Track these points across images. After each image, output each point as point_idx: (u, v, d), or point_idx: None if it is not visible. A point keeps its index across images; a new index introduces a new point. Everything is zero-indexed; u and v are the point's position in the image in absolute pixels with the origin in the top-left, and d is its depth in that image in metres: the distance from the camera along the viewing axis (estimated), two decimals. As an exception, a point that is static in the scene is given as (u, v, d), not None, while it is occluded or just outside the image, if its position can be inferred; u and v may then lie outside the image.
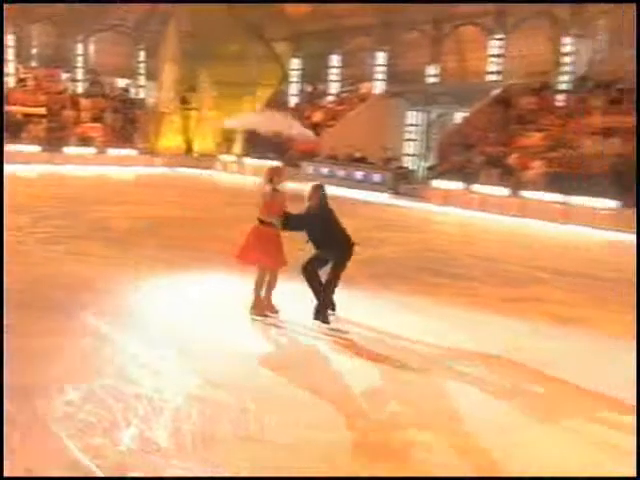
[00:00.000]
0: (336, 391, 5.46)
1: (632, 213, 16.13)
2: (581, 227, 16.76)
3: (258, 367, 5.93)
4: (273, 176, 7.59)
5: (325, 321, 7.24)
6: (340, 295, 7.49)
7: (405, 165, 24.43)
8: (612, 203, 16.88)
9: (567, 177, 18.06)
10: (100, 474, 3.96)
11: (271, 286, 7.45)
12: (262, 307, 7.43)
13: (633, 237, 15.56)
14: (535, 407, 5.61)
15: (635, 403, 5.32)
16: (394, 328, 7.30)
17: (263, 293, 7.43)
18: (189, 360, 5.78)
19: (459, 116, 23.34)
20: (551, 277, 11.41)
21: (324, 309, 7.34)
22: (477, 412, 5.29)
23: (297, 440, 4.46)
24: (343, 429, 4.71)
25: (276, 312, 7.46)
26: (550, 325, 8.24)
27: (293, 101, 32.01)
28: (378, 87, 27.99)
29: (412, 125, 25.16)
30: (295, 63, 31.92)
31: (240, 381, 5.42)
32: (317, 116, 28.23)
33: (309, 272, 7.39)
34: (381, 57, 28.04)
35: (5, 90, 26.15)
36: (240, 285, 7.78)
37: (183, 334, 6.44)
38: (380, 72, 28.11)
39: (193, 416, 4.64)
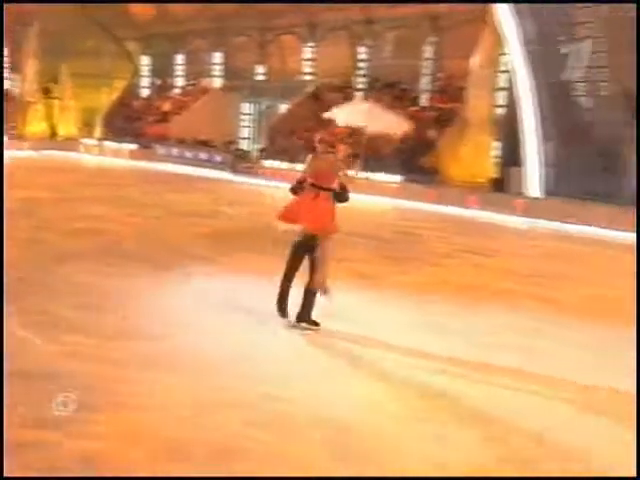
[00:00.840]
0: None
1: (413, 185, 17.38)
2: (376, 197, 17.26)
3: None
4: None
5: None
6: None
7: (242, 147, 24.56)
8: (398, 177, 17.83)
9: (365, 157, 18.43)
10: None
11: None
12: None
13: (413, 204, 16.62)
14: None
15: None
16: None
17: None
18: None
19: (283, 107, 23.51)
20: (352, 239, 11.01)
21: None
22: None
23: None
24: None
25: None
26: (354, 279, 8.23)
27: (145, 92, 31.00)
28: (216, 82, 27.69)
29: (246, 114, 25.07)
30: (145, 60, 30.73)
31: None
32: (166, 106, 27.60)
33: None
34: (217, 57, 27.76)
35: None
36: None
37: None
38: (217, 69, 27.82)
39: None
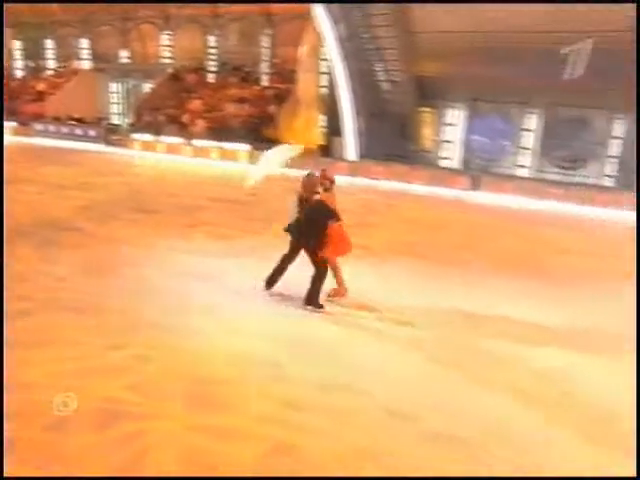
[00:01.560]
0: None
1: (258, 153, 17.28)
2: (231, 162, 17.57)
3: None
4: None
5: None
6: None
7: (112, 122, 23.47)
8: (246, 146, 17.85)
9: (219, 130, 18.78)
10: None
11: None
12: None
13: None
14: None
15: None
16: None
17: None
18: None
19: (147, 87, 22.65)
20: (213, 204, 11.09)
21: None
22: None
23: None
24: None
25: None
26: (213, 241, 8.15)
27: (20, 74, 27.99)
28: (86, 64, 25.65)
29: (114, 93, 23.96)
30: (18, 44, 27.71)
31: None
32: (41, 86, 25.10)
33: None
34: (85, 42, 25.65)
35: None
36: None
37: None
38: (86, 53, 25.77)
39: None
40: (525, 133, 15.70)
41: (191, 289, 6.15)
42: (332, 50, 16.03)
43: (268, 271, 6.01)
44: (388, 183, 15.57)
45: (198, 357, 4.56)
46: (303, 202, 5.88)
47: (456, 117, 16.50)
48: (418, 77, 16.07)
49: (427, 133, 16.99)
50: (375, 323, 5.48)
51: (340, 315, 5.61)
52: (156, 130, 19.84)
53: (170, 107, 20.73)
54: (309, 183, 5.94)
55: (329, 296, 5.86)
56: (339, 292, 5.91)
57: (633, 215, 12.24)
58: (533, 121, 15.60)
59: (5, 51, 26.89)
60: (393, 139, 16.45)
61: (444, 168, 16.39)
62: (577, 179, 15.18)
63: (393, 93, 16.34)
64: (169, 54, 23.30)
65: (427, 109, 16.78)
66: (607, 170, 15.01)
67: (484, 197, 14.59)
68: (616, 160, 14.86)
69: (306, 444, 3.55)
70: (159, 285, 6.23)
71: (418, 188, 15.19)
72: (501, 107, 16.05)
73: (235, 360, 4.58)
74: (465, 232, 10.27)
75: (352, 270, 6.15)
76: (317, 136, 17.98)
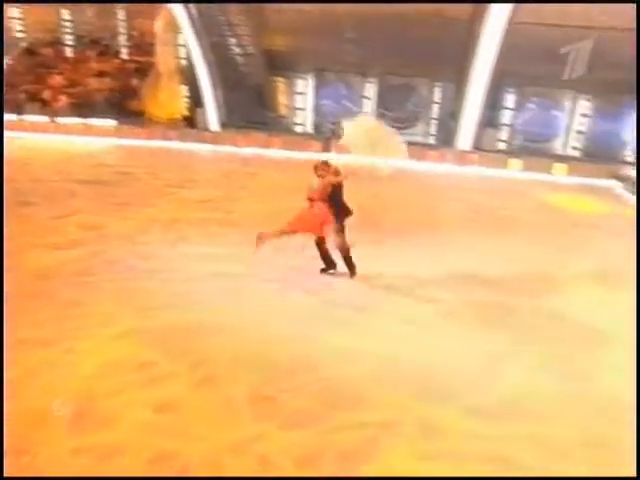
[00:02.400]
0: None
1: (125, 127, 18.14)
2: (97, 138, 17.74)
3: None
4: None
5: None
6: None
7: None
8: (112, 122, 18.25)
9: (83, 106, 18.83)
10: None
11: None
12: None
13: (127, 142, 17.35)
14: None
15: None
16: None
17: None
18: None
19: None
20: (83, 188, 10.71)
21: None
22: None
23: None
24: None
25: None
26: (82, 232, 7.95)
27: None
28: None
29: (-36, 68, 22.76)
30: None
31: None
32: None
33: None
34: None
35: None
36: None
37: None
38: None
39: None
40: (365, 100, 18.03)
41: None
42: (185, 25, 16.92)
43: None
44: (249, 150, 17.25)
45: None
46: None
47: (306, 86, 18.37)
48: (269, 50, 17.60)
49: (282, 101, 18.72)
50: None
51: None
52: (17, 108, 19.51)
53: (29, 83, 20.33)
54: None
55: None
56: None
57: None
58: (370, 88, 17.95)
59: None
60: (251, 108, 18.03)
61: (298, 134, 18.33)
62: (408, 138, 17.94)
63: (247, 65, 17.74)
64: (20, 27, 22.12)
65: (280, 79, 18.46)
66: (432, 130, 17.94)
67: (335, 157, 16.77)
68: (437, 122, 17.78)
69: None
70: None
71: (276, 153, 17.05)
72: (344, 76, 18.17)
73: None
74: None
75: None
76: (181, 108, 18.99)
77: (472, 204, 11.57)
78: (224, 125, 18.07)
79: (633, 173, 15.69)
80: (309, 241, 6.54)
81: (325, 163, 6.43)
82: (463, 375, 4.65)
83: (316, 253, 6.61)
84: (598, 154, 16.53)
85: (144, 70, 19.62)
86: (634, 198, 13.78)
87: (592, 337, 5.50)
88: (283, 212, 6.49)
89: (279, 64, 17.95)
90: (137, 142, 17.63)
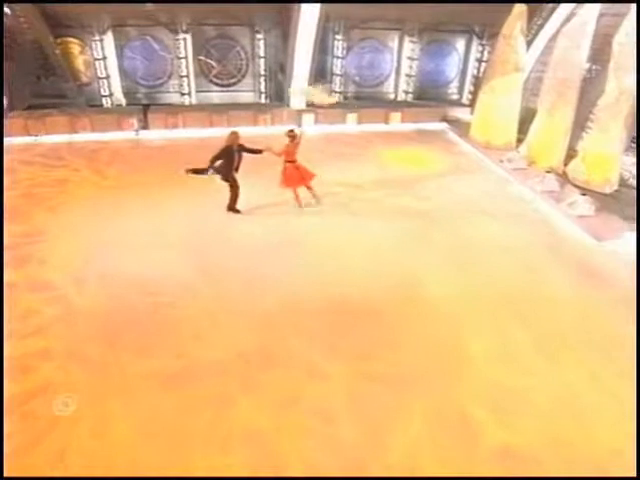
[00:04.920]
0: None
1: None
2: None
3: None
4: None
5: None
6: None
7: None
8: None
9: None
10: None
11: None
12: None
13: None
14: None
15: None
16: None
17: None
18: None
19: None
20: None
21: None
22: None
23: None
24: None
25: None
26: None
27: None
28: None
29: None
30: None
31: None
32: None
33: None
34: None
35: None
36: None
37: None
38: None
39: None
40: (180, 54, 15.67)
41: None
42: None
43: None
44: (49, 137, 14.31)
45: None
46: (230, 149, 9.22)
47: (106, 46, 15.34)
48: (44, 5, 14.07)
49: (77, 66, 15.55)
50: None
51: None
52: None
53: None
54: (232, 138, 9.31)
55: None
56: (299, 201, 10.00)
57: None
58: (184, 42, 15.57)
59: None
60: (40, 80, 14.78)
61: (108, 109, 15.60)
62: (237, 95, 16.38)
63: (21, 29, 14.06)
64: None
65: (70, 39, 15.16)
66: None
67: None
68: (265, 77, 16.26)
69: None
70: None
71: (85, 137, 14.39)
72: (148, 30, 15.45)
73: None
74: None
75: None
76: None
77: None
78: (10, 108, 14.62)
79: (459, 114, 16.21)
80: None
81: (292, 130, 9.80)
82: None
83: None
84: (428, 96, 16.68)
85: None
86: (461, 140, 14.35)
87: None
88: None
89: (62, 22, 14.62)
90: None
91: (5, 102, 14.49)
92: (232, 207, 9.74)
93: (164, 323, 6.93)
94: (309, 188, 9.96)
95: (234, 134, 9.31)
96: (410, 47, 16.08)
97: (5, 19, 13.77)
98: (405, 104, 16.33)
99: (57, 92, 15.13)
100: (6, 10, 13.61)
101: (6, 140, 13.94)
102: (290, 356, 6.42)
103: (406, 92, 16.70)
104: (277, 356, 6.43)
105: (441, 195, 10.93)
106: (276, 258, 8.45)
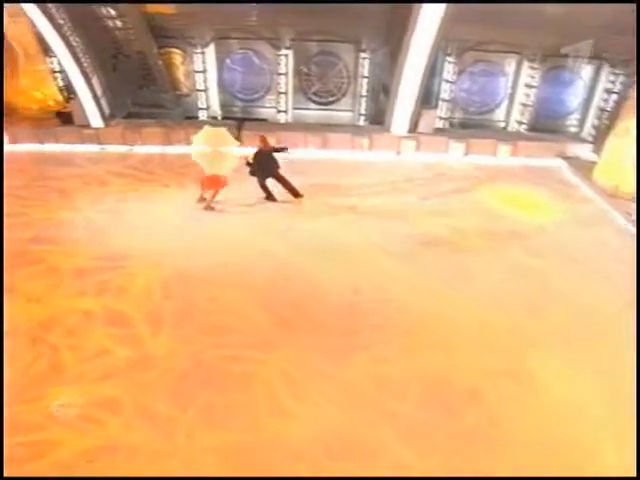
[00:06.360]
0: None
1: None
2: None
3: None
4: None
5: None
6: None
7: None
8: None
9: None
10: None
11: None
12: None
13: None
14: None
15: None
16: None
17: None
18: None
19: None
20: None
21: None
22: None
23: None
24: None
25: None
26: None
27: None
28: None
29: None
30: None
31: None
32: None
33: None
34: None
35: None
36: None
37: None
38: None
39: None
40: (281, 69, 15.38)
41: None
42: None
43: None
44: (143, 148, 14.45)
45: None
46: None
47: (207, 58, 15.38)
48: (151, 17, 14.25)
49: (178, 77, 15.71)
50: None
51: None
52: None
53: None
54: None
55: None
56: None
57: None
58: (286, 58, 15.26)
59: None
60: (141, 90, 15.05)
61: (204, 122, 15.56)
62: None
63: (128, 40, 14.35)
64: None
65: (173, 50, 15.34)
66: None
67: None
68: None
69: None
70: None
71: (178, 149, 14.36)
72: (250, 44, 15.29)
73: None
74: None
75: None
76: (54, 94, 15.53)
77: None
78: (112, 117, 15.02)
79: (579, 151, 14.70)
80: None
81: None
82: None
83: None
84: (543, 128, 15.29)
85: (-3, 44, 15.65)
86: (580, 182, 12.86)
87: None
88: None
89: (167, 33, 14.80)
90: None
91: (106, 111, 14.91)
92: (296, 192, 11.10)
93: (239, 386, 6.37)
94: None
95: (262, 139, 10.86)
96: (529, 73, 14.77)
97: (115, 32, 14.16)
98: (517, 135, 15.03)
99: (156, 102, 15.40)
100: (117, 23, 13.98)
101: (101, 148, 14.31)
102: (378, 450, 5.64)
103: (519, 122, 15.37)
104: (364, 448, 5.67)
105: (556, 251, 9.68)
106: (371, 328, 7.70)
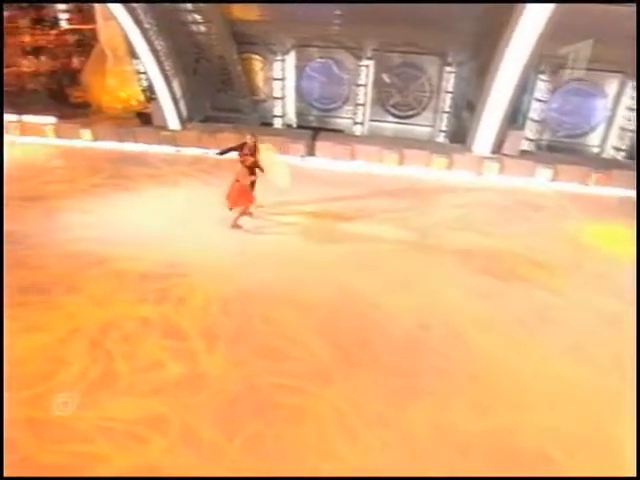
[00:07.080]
0: None
1: (68, 126, 14.93)
2: (36, 139, 14.81)
3: None
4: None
5: None
6: None
7: None
8: (51, 119, 15.07)
9: (16, 95, 15.89)
10: None
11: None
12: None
13: (69, 143, 14.51)
14: None
15: None
16: None
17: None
18: None
19: None
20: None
21: None
22: None
23: None
24: None
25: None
26: None
27: None
28: None
29: None
30: None
31: None
32: None
33: None
34: None
35: None
36: None
37: None
38: None
39: None
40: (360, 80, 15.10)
41: None
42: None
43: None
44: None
45: None
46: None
47: (286, 65, 15.39)
48: (234, 23, 14.43)
49: (256, 82, 15.80)
50: None
51: None
52: None
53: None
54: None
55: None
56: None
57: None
58: (366, 69, 14.96)
59: None
60: (219, 94, 15.24)
61: (278, 129, 15.59)
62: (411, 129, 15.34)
63: (209, 41, 14.53)
64: None
65: (254, 56, 15.45)
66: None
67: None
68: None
69: None
70: None
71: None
72: (331, 53, 15.13)
73: None
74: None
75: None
76: (137, 95, 16.10)
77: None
78: (189, 119, 15.31)
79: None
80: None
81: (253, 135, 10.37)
82: None
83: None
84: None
85: (87, 44, 16.43)
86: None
87: None
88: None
89: (249, 39, 14.90)
90: (84, 143, 14.81)
91: (184, 114, 15.21)
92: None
93: (289, 419, 6.08)
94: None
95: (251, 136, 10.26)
96: (633, 95, 13.66)
97: (199, 36, 14.41)
98: (613, 163, 13.92)
99: (233, 106, 15.54)
100: (202, 28, 14.23)
101: (176, 150, 14.58)
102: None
103: (616, 148, 14.21)
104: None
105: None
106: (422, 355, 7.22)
